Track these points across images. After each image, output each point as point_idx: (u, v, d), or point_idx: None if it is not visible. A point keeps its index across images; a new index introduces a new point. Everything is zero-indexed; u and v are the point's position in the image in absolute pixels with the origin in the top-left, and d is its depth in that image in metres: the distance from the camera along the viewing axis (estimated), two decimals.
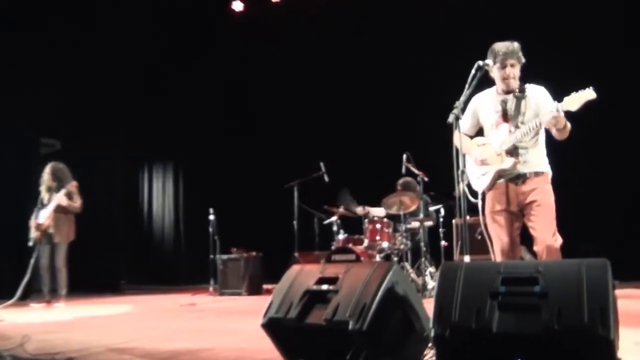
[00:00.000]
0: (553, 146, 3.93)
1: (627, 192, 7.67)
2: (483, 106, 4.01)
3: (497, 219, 3.86)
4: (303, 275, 3.04)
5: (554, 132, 3.73)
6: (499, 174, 3.87)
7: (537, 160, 3.83)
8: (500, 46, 3.82)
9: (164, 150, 11.80)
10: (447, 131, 3.70)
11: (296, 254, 7.86)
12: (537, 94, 3.84)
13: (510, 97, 3.88)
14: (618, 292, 2.35)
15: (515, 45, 3.83)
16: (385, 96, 9.37)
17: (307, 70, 9.94)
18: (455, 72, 4.29)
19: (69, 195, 7.30)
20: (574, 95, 3.47)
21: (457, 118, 3.59)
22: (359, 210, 7.64)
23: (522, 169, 3.81)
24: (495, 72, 3.88)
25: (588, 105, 3.44)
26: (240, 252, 8.59)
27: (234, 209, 10.10)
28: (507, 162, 3.83)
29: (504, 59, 3.80)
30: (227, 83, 11.19)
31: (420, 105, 8.61)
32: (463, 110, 3.75)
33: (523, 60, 3.86)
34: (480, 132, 4.12)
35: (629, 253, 7.05)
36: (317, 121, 9.87)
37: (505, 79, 3.84)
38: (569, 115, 3.58)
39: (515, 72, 3.84)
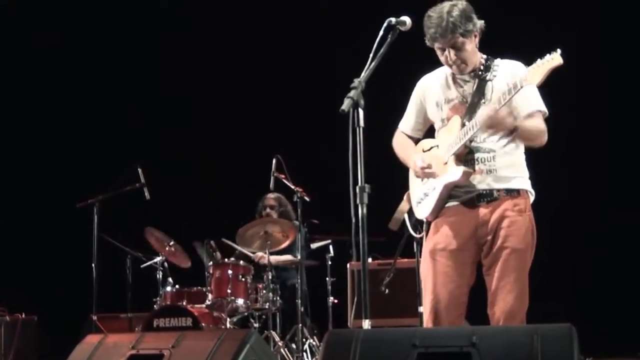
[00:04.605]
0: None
1: (605, 225, 8.01)
2: (431, 93, 4.10)
3: (438, 262, 3.93)
4: (104, 351, 3.01)
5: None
6: (448, 193, 3.93)
7: (511, 170, 3.90)
8: (431, 22, 3.85)
9: None
10: (342, 124, 3.76)
11: (94, 317, 7.68)
12: (511, 73, 3.85)
13: (469, 77, 3.98)
14: None
15: (455, 15, 3.81)
16: (245, 62, 9.43)
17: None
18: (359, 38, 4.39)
19: None
20: (538, 62, 3.57)
21: (357, 105, 3.64)
22: (218, 256, 7.51)
23: (484, 183, 3.88)
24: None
25: (552, 74, 3.60)
26: None
27: None
28: (453, 173, 3.86)
29: (436, 41, 3.87)
30: None
31: (298, 82, 8.75)
32: (365, 92, 3.81)
33: (474, 29, 3.89)
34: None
35: (606, 317, 7.45)
36: (130, 100, 9.71)
37: (450, 65, 3.95)
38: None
39: (463, 54, 3.89)
